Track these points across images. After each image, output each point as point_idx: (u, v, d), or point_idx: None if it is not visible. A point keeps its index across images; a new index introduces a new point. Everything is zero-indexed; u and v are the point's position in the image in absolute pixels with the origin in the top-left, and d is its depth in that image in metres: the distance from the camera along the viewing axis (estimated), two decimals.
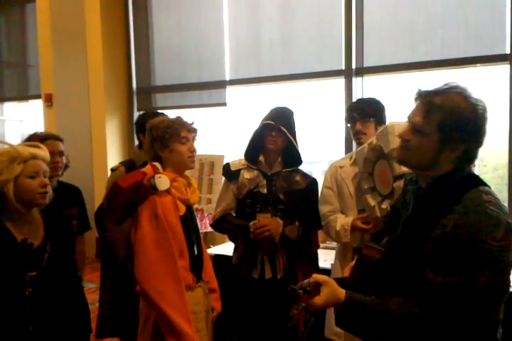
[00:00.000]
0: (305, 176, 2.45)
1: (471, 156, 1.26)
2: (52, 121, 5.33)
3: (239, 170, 2.42)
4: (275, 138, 2.30)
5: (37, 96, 5.69)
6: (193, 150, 1.95)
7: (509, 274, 1.19)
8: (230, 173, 2.44)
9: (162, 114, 2.62)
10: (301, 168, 2.49)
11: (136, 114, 5.25)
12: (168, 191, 1.84)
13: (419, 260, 1.22)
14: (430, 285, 1.17)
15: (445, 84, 1.25)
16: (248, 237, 2.31)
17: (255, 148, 2.41)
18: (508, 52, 3.35)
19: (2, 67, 6.35)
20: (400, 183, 1.88)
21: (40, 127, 5.47)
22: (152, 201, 1.80)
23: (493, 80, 3.62)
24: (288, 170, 2.39)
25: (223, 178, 2.54)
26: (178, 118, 1.96)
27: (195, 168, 3.66)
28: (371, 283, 1.34)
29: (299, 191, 2.38)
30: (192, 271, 1.90)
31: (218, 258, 3.15)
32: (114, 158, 4.93)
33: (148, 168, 1.84)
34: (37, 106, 5.77)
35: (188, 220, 1.95)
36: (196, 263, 1.95)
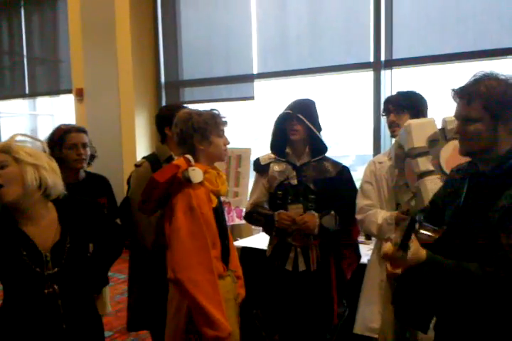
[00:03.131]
0: (335, 164, 2.45)
1: None
2: (83, 115, 5.45)
3: (268, 164, 2.45)
4: (295, 127, 2.32)
5: (68, 91, 5.81)
6: (227, 143, 1.99)
7: None
8: (260, 167, 2.49)
9: (186, 107, 2.61)
10: (331, 156, 2.51)
11: None
12: (201, 183, 1.86)
13: (484, 230, 1.29)
14: (504, 248, 1.24)
15: (473, 76, 1.38)
16: (283, 230, 2.33)
17: (280, 141, 2.43)
18: None
19: (34, 62, 6.50)
20: (421, 182, 1.89)
21: (71, 121, 5.58)
22: (187, 193, 1.81)
23: None
24: (316, 159, 2.41)
25: (254, 173, 2.58)
26: (216, 111, 1.98)
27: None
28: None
29: (329, 179, 2.38)
30: (222, 260, 1.93)
31: (245, 251, 3.17)
32: (142, 150, 5.00)
33: (181, 161, 1.86)
34: (68, 100, 5.89)
35: (219, 211, 1.97)
36: (225, 253, 1.98)
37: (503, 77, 1.34)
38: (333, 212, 2.34)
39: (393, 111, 2.29)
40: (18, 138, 1.59)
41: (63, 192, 1.61)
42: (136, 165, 2.53)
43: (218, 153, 1.96)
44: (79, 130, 2.43)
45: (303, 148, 2.41)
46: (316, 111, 2.42)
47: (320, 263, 2.36)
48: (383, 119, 3.76)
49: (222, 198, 3.66)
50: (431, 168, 1.89)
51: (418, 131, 1.93)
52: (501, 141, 1.34)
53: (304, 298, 2.33)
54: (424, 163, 1.90)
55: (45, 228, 1.58)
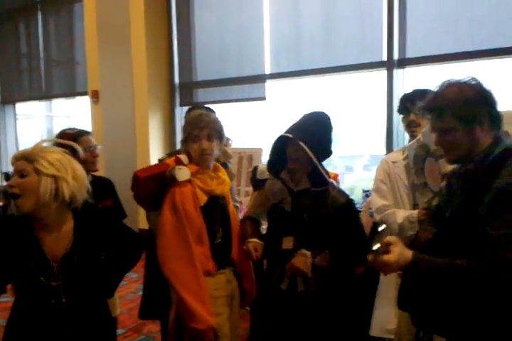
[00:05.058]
0: (337, 197, 2.01)
1: (496, 117, 1.37)
2: (99, 116, 5.52)
3: (265, 180, 2.19)
4: (295, 155, 1.94)
5: (84, 93, 5.89)
6: (203, 149, 1.93)
7: None
8: (256, 182, 2.30)
9: (209, 108, 2.68)
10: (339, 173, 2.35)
11: (178, 109, 5.36)
12: (189, 181, 1.93)
13: (475, 225, 1.29)
14: (492, 240, 1.25)
15: (435, 88, 1.41)
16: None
17: (277, 162, 2.08)
18: None
19: (51, 65, 6.61)
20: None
21: (87, 123, 5.66)
22: (172, 191, 1.91)
23: None
24: (317, 189, 2.00)
25: None
26: (197, 116, 2.01)
27: (233, 161, 3.71)
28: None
29: (326, 216, 1.98)
30: (214, 258, 1.97)
31: None
32: (156, 151, 5.06)
33: (171, 160, 1.95)
34: (84, 102, 5.97)
35: (212, 210, 2.00)
36: (219, 251, 2.01)
37: (464, 81, 1.36)
38: (327, 251, 1.98)
39: (413, 110, 2.24)
40: (46, 144, 1.62)
41: (86, 201, 1.58)
42: (159, 161, 2.62)
43: (194, 156, 1.96)
44: (89, 133, 2.49)
45: (300, 176, 2.04)
46: (326, 133, 2.00)
47: (320, 281, 2.01)
48: (396, 118, 3.76)
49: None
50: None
51: None
52: (481, 140, 1.36)
53: (302, 320, 2.00)
54: None
55: (59, 238, 1.56)
